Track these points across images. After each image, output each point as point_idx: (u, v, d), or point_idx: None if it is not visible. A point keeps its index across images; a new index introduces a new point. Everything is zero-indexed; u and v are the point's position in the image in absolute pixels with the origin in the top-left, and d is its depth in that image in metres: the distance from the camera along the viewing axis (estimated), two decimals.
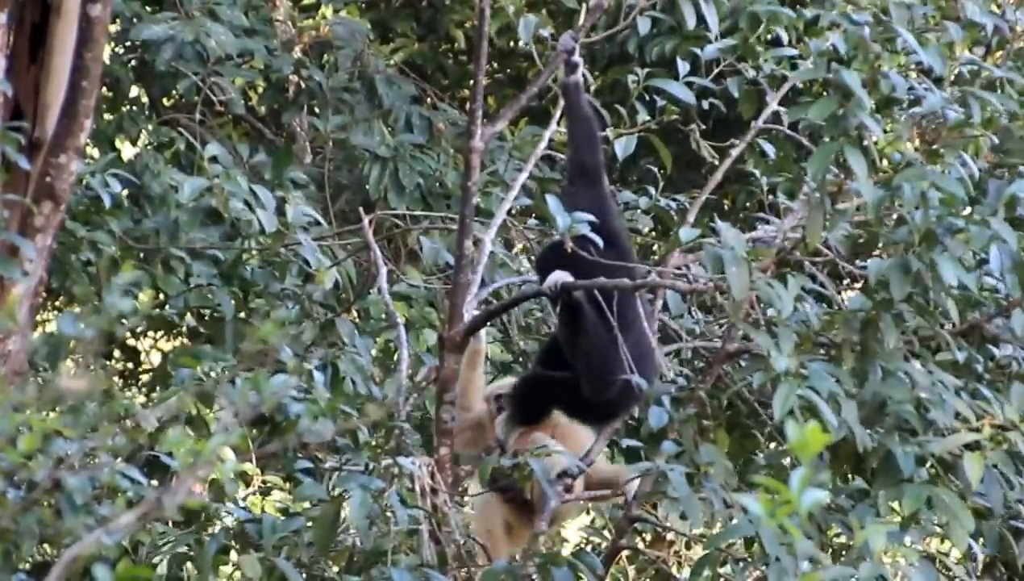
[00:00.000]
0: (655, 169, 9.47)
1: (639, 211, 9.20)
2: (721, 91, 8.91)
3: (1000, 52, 8.51)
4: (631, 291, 7.40)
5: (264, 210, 9.05)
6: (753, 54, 8.77)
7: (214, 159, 9.11)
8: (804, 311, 7.34)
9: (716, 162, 9.56)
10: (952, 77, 7.73)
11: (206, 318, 9.91)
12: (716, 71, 8.85)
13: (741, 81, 8.79)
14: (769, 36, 8.87)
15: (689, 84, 8.86)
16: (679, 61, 8.89)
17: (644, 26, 9.36)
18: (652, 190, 9.28)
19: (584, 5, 8.74)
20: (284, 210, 9.30)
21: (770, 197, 8.47)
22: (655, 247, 8.92)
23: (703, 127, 9.42)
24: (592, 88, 8.80)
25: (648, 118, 9.00)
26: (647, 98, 9.08)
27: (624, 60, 11.10)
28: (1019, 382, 7.39)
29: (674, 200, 9.28)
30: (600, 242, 7.31)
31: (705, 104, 9.07)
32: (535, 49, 8.83)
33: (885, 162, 7.44)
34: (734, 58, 8.78)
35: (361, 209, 9.31)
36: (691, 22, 9.13)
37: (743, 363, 7.84)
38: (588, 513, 9.55)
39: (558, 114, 8.66)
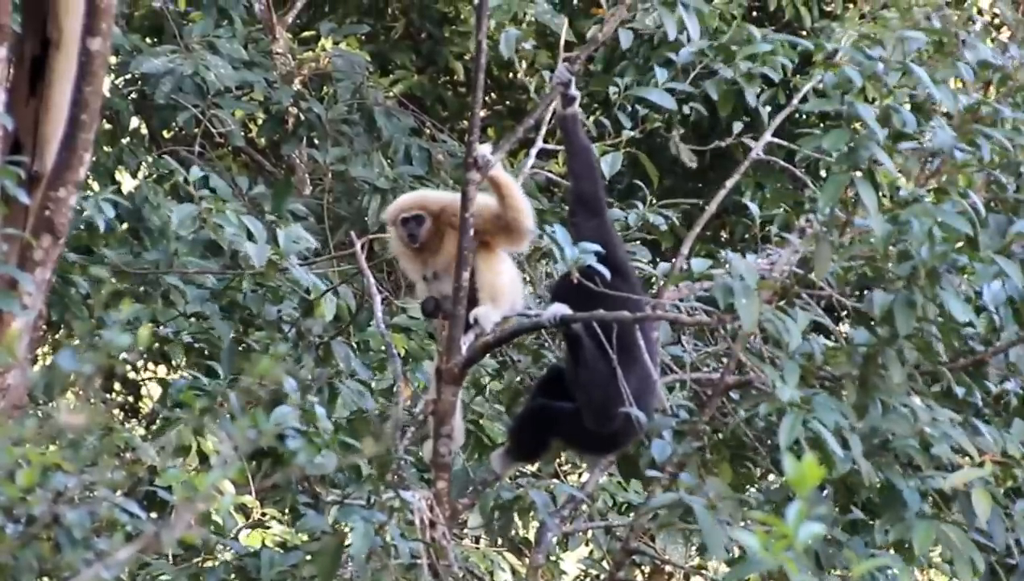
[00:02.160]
0: (642, 184, 9.48)
1: (629, 229, 9.21)
2: (701, 94, 8.94)
3: (1001, 88, 8.52)
4: (631, 323, 7.40)
5: (255, 243, 9.03)
6: (730, 55, 8.79)
7: (206, 184, 9.09)
8: (809, 344, 7.33)
9: (694, 166, 9.57)
10: (958, 114, 7.74)
11: (205, 349, 9.91)
12: (693, 74, 8.88)
13: (719, 82, 8.81)
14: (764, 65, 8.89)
15: (670, 90, 8.89)
16: (656, 68, 8.92)
17: (626, 40, 9.38)
18: (640, 205, 9.30)
19: (563, 36, 8.74)
20: (277, 238, 9.28)
21: (767, 228, 8.47)
22: (653, 278, 8.91)
23: (681, 132, 9.43)
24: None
25: (631, 129, 9.02)
26: (629, 108, 9.10)
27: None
28: (1018, 417, 7.39)
29: (663, 216, 9.27)
30: (607, 273, 7.33)
31: (686, 109, 9.09)
32: (526, 75, 8.83)
33: (889, 196, 7.45)
34: (713, 60, 8.80)
35: (353, 233, 9.32)
36: (672, 33, 9.16)
37: (741, 395, 7.83)
38: (586, 544, 9.54)
39: (541, 135, 8.68)
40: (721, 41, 8.85)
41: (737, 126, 9.05)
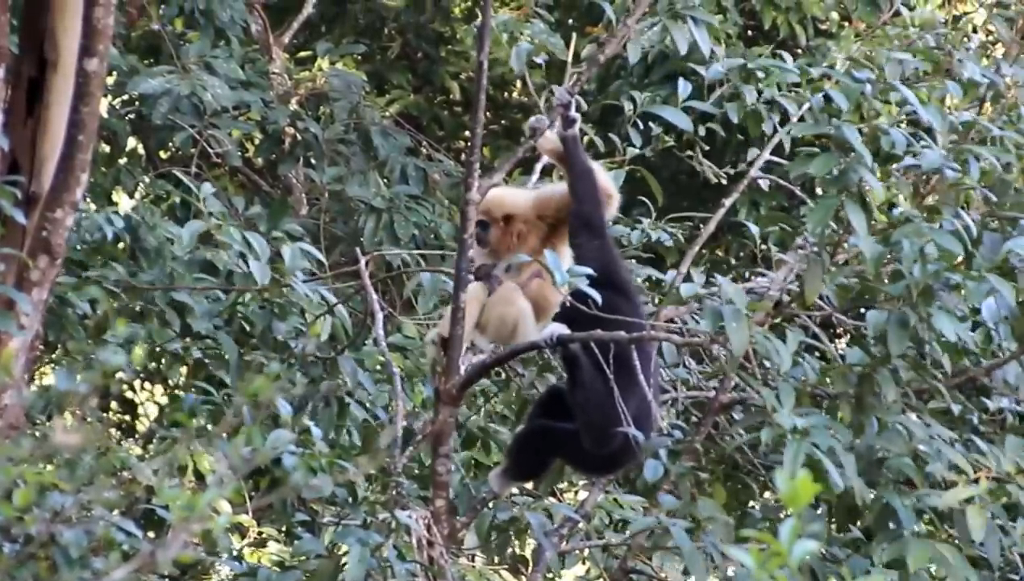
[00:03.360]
0: (645, 200, 9.48)
1: (631, 246, 9.21)
2: (721, 116, 8.91)
3: (994, 106, 8.53)
4: (628, 343, 7.40)
5: (258, 261, 9.02)
6: (753, 79, 8.78)
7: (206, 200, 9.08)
8: (802, 365, 7.34)
9: (723, 181, 9.54)
10: (947, 131, 7.75)
11: (207, 367, 9.91)
12: (717, 93, 8.84)
13: (740, 106, 8.78)
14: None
15: (687, 110, 8.85)
16: (680, 82, 8.85)
17: (634, 54, 9.38)
18: (644, 221, 9.29)
19: (571, 56, 8.76)
20: (280, 257, 9.25)
21: (763, 248, 8.49)
22: (653, 299, 8.92)
23: (707, 148, 9.41)
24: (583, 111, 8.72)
25: (641, 147, 9.02)
26: (641, 126, 9.08)
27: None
28: (1014, 434, 7.40)
29: (667, 231, 9.27)
30: (598, 297, 7.32)
31: (702, 130, 9.06)
32: (522, 95, 8.81)
33: (882, 216, 7.47)
34: (736, 79, 8.79)
35: (357, 249, 9.31)
36: (683, 48, 9.15)
37: (737, 414, 7.84)
38: (583, 563, 9.54)
39: (541, 163, 8.70)
40: (751, 64, 8.83)
41: (752, 151, 9.02)
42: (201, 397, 9.10)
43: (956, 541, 7.13)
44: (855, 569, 7.11)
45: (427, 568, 7.35)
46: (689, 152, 9.34)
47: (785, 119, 8.69)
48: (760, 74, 8.75)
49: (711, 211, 9.05)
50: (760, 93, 8.65)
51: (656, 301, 8.72)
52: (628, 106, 9.06)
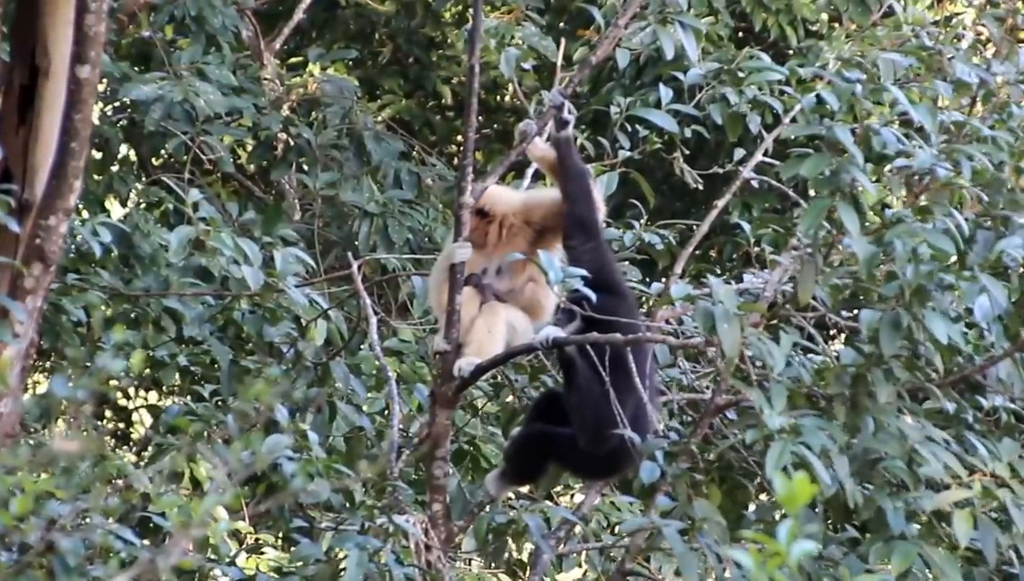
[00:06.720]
0: (636, 203, 9.48)
1: (626, 249, 9.20)
2: (704, 117, 8.92)
3: (985, 105, 8.54)
4: (623, 346, 7.40)
5: (251, 266, 9.00)
6: (735, 80, 8.78)
7: (196, 207, 9.06)
8: (795, 366, 7.34)
9: (700, 187, 9.55)
10: (939, 130, 7.75)
11: (198, 374, 9.91)
12: (698, 97, 8.85)
13: (723, 107, 8.78)
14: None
15: (672, 112, 8.85)
16: (661, 87, 8.88)
17: (623, 59, 9.38)
18: (636, 224, 9.29)
19: (560, 58, 8.76)
20: (272, 263, 9.25)
21: (756, 248, 8.49)
22: (642, 298, 8.91)
23: (686, 152, 9.41)
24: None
25: (630, 150, 9.01)
26: (629, 129, 9.08)
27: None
28: (1008, 436, 7.41)
29: (659, 235, 9.27)
30: (593, 296, 7.32)
31: (687, 132, 9.06)
32: (515, 98, 8.79)
33: (875, 217, 7.47)
34: (716, 82, 8.79)
35: (350, 254, 9.31)
36: (669, 53, 9.14)
37: (733, 416, 7.84)
38: (580, 566, 9.55)
39: (533, 168, 8.69)
40: (729, 66, 8.82)
41: (738, 151, 9.02)
42: (190, 404, 9.08)
43: (953, 540, 7.14)
44: (852, 569, 7.10)
45: (425, 572, 7.36)
46: (674, 154, 9.33)
47: (768, 120, 8.70)
48: (741, 74, 8.75)
49: (704, 212, 9.05)
50: (741, 94, 8.66)
51: (650, 304, 8.73)
52: (615, 110, 9.06)
